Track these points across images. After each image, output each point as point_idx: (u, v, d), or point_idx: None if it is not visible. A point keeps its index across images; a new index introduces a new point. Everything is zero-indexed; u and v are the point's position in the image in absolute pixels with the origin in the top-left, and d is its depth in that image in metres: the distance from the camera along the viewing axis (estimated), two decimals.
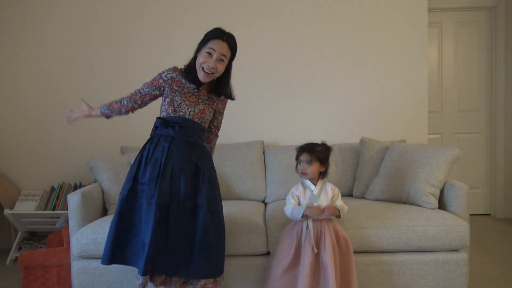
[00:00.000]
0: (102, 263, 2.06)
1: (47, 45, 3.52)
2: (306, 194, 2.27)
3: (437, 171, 2.64)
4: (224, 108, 2.32)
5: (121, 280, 2.43)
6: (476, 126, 4.39)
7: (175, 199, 2.04)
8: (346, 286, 2.22)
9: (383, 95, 3.53)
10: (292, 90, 3.53)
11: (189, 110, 2.12)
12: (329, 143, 2.34)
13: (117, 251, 2.05)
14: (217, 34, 2.09)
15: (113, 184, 2.82)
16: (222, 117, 2.35)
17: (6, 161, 3.58)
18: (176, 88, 2.14)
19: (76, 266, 2.47)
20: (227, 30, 2.13)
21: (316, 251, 2.16)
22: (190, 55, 2.17)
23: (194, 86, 2.14)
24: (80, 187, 3.35)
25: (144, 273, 1.96)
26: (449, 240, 2.40)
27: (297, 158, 2.29)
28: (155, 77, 2.18)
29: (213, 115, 2.28)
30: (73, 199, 2.53)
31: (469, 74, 4.34)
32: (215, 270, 2.10)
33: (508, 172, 4.29)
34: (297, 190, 2.30)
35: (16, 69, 3.55)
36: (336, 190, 2.32)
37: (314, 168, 2.24)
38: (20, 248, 3.37)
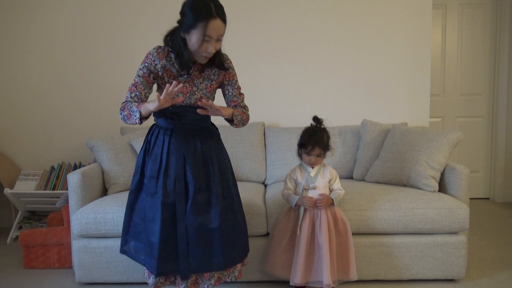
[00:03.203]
0: (120, 251, 2.09)
1: (48, 30, 3.47)
2: (303, 176, 2.27)
3: (438, 154, 2.63)
4: (232, 78, 2.06)
5: (121, 259, 2.45)
6: (478, 110, 4.36)
7: (183, 197, 1.91)
8: (344, 268, 2.24)
9: (385, 77, 3.50)
10: (294, 72, 3.50)
11: (185, 102, 1.95)
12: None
13: (128, 241, 2.05)
14: (207, 13, 1.75)
15: (113, 164, 2.81)
16: (237, 88, 2.09)
17: (6, 141, 3.58)
18: (167, 79, 1.94)
19: (76, 245, 2.48)
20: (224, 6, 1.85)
21: (299, 233, 2.18)
22: None
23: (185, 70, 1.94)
24: (80, 167, 3.35)
25: (158, 274, 1.91)
26: (449, 223, 2.40)
27: (306, 150, 2.22)
28: (144, 72, 1.91)
29: (223, 89, 2.09)
30: (73, 178, 2.53)
31: (473, 57, 4.29)
32: (241, 253, 2.07)
33: (508, 157, 4.28)
34: (294, 173, 2.30)
35: (18, 51, 3.50)
36: (335, 173, 2.31)
37: (323, 157, 2.26)
38: (20, 227, 3.39)
